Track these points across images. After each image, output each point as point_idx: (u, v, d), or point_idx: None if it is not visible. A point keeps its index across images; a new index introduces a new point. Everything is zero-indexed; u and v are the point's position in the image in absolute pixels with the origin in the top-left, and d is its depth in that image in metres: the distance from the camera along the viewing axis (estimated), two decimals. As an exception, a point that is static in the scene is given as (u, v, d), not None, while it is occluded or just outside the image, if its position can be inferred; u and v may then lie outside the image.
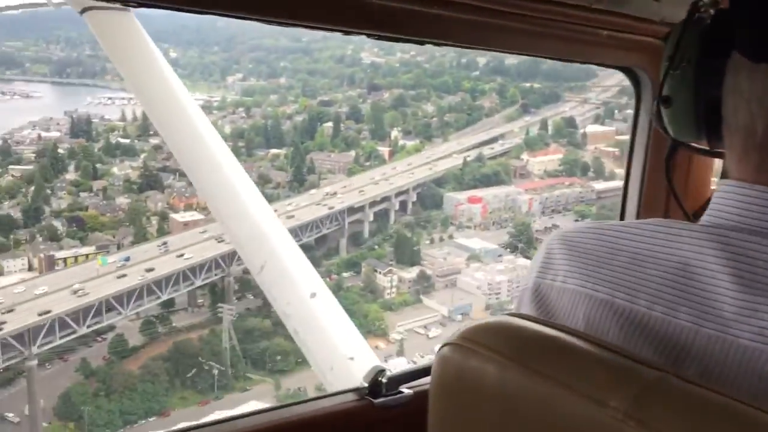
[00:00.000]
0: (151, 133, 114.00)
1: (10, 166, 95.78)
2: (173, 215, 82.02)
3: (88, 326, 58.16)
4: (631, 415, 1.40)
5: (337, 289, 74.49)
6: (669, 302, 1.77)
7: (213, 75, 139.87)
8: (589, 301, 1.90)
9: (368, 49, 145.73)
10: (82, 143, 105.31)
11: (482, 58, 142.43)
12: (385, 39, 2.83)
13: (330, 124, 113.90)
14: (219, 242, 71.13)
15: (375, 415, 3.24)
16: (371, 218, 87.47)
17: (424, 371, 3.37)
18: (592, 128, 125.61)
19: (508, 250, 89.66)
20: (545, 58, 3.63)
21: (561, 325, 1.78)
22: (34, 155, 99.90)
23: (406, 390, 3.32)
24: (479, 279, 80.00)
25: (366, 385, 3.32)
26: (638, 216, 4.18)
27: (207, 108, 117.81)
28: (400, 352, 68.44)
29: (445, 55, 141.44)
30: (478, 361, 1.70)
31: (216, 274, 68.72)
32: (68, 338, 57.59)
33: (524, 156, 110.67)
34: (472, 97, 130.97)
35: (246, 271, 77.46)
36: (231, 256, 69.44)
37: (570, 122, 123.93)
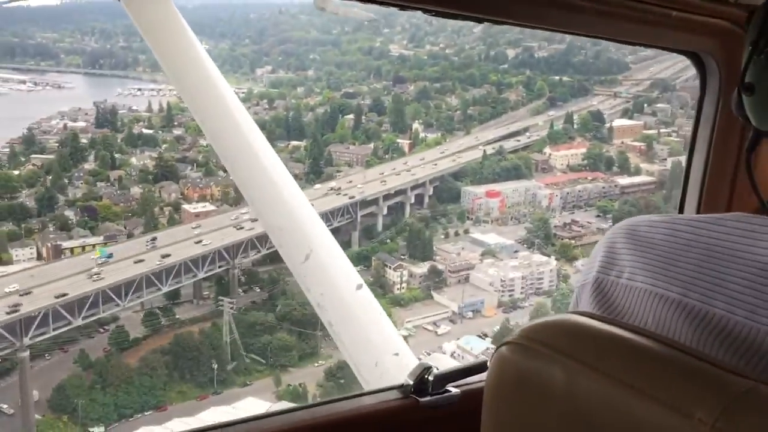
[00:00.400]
0: (176, 124, 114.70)
1: (33, 156, 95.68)
2: (185, 206, 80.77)
3: (84, 318, 57.13)
4: (719, 428, 1.29)
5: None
6: (751, 305, 1.60)
7: (243, 67, 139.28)
8: (659, 301, 1.72)
9: (398, 42, 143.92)
10: (105, 133, 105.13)
11: (511, 50, 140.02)
12: (442, 15, 2.66)
13: (351, 116, 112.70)
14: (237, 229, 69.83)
15: (421, 415, 3.02)
16: (385, 212, 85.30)
17: (474, 369, 3.12)
18: (619, 122, 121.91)
19: (525, 245, 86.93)
20: (607, 39, 3.42)
21: (632, 325, 1.63)
22: (57, 145, 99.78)
23: (453, 389, 3.08)
24: (492, 275, 77.47)
25: (411, 382, 3.05)
26: (699, 210, 3.82)
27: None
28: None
29: (474, 47, 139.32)
30: (541, 362, 1.58)
31: (221, 266, 67.36)
32: (62, 330, 56.67)
33: (547, 150, 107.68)
34: (498, 90, 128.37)
35: (255, 263, 76.19)
36: (236, 248, 68.08)
37: (597, 116, 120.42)
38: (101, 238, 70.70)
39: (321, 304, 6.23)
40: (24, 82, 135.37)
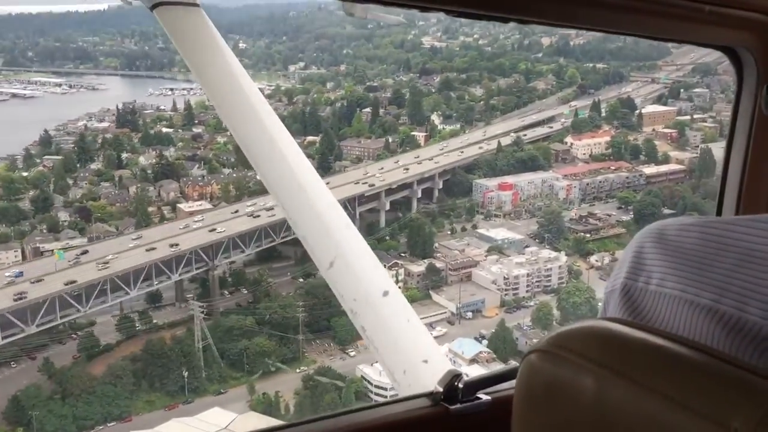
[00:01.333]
0: (196, 122, 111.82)
1: (46, 157, 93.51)
2: (180, 205, 76.86)
3: (38, 326, 53.24)
4: None
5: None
6: None
7: (276, 64, 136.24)
8: (691, 308, 1.60)
9: (432, 34, 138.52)
10: (122, 133, 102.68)
11: (546, 38, 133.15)
12: (466, 16, 2.62)
13: (369, 110, 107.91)
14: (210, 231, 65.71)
15: (451, 423, 2.91)
16: (388, 207, 79.67)
17: (504, 376, 2.99)
18: (651, 108, 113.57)
19: (537, 240, 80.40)
20: (638, 36, 3.38)
21: (662, 331, 1.54)
22: (72, 146, 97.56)
23: (484, 396, 2.95)
24: (495, 273, 71.25)
25: (441, 389, 2.93)
26: (738, 210, 3.63)
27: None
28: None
29: (509, 37, 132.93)
30: (571, 370, 1.50)
31: (198, 268, 62.81)
32: (13, 338, 52.90)
33: (568, 139, 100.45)
34: (527, 79, 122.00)
35: (246, 263, 71.68)
36: (216, 248, 63.62)
37: (627, 103, 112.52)
38: (85, 240, 67.19)
39: (354, 310, 5.57)
40: (60, 84, 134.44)
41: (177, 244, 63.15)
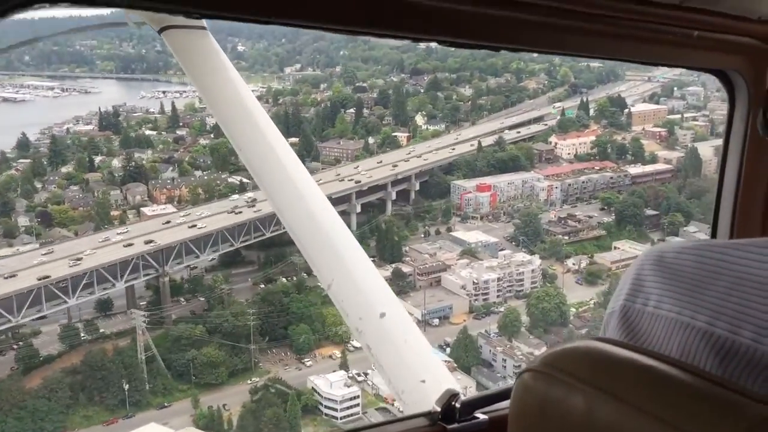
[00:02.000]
0: (181, 125, 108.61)
1: (21, 160, 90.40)
2: (144, 209, 73.26)
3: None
4: None
5: (296, 291, 63.52)
6: None
7: (272, 66, 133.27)
8: (685, 331, 1.59)
9: None
10: (107, 135, 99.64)
11: None
12: (458, 46, 2.55)
13: (353, 110, 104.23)
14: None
15: None
16: (359, 209, 75.60)
17: (502, 396, 3.02)
18: (641, 107, 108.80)
19: (514, 243, 76.01)
20: (629, 62, 3.35)
21: (654, 352, 1.54)
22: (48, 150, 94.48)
23: (481, 416, 2.98)
24: (465, 277, 66.99)
25: (438, 409, 2.96)
26: (732, 233, 3.61)
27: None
28: (344, 365, 56.54)
29: None
30: (562, 390, 1.49)
31: (147, 275, 58.97)
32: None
33: (552, 139, 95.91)
34: (518, 79, 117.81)
35: (208, 269, 67.88)
36: (167, 253, 59.82)
37: (617, 101, 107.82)
38: (37, 245, 63.65)
39: (359, 329, 5.44)
40: (52, 88, 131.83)
41: (131, 244, 59.50)
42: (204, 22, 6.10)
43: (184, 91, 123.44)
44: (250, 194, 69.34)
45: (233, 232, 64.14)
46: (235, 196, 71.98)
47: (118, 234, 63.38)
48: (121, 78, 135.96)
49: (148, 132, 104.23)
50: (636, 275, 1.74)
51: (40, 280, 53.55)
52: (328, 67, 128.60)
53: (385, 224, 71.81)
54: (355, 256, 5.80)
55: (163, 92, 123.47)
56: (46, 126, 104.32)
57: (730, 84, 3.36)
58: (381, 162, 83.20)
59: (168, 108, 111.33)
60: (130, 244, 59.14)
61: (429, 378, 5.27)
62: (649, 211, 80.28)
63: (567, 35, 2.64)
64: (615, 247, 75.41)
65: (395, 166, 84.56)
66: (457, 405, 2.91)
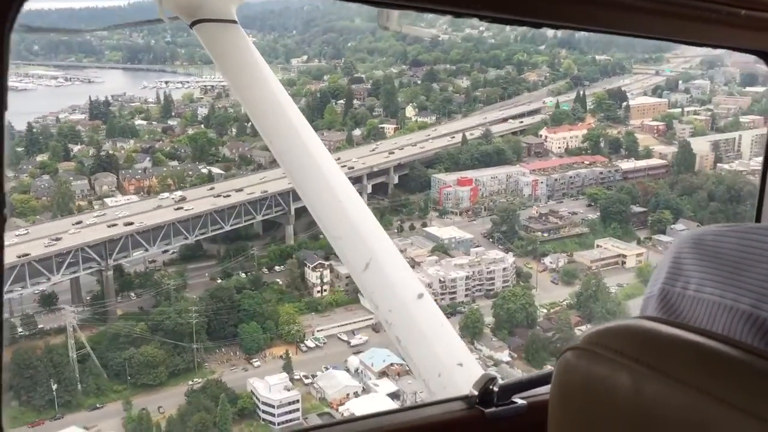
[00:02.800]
0: (173, 115, 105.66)
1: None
2: (107, 199, 69.76)
3: None
4: None
5: (253, 287, 59.54)
6: None
7: (279, 57, 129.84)
8: (729, 313, 1.57)
9: (438, 26, 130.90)
10: (96, 125, 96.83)
11: (551, 31, 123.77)
12: (498, 21, 2.53)
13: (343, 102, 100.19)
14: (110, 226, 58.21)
15: (486, 426, 2.85)
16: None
17: (540, 380, 2.93)
18: (640, 100, 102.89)
19: (491, 240, 71.24)
20: (668, 41, 3.15)
21: (700, 329, 1.51)
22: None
23: (519, 400, 2.89)
24: (432, 275, 62.48)
25: (476, 393, 2.87)
26: None
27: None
28: (288, 367, 52.32)
29: (516, 29, 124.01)
30: (607, 368, 1.47)
31: (86, 268, 55.21)
32: None
33: (543, 132, 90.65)
34: (520, 71, 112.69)
35: (167, 263, 64.19)
36: (111, 246, 56.05)
37: (616, 94, 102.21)
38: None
39: (389, 321, 5.09)
40: (56, 77, 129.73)
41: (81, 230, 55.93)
42: (235, 16, 5.63)
43: (187, 82, 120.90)
44: (179, 193, 66.68)
45: (187, 224, 60.27)
46: (165, 194, 68.29)
47: (73, 225, 59.86)
48: (127, 68, 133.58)
49: (140, 122, 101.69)
50: (674, 259, 1.70)
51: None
52: (335, 59, 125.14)
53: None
54: (384, 245, 5.26)
55: (166, 82, 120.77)
56: (41, 115, 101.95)
57: None
58: (360, 157, 79.00)
59: (176, 97, 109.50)
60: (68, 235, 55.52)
61: (463, 362, 4.78)
62: (636, 208, 74.99)
63: (603, 9, 2.47)
64: (597, 245, 70.42)
65: (370, 157, 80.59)
66: (495, 389, 2.82)
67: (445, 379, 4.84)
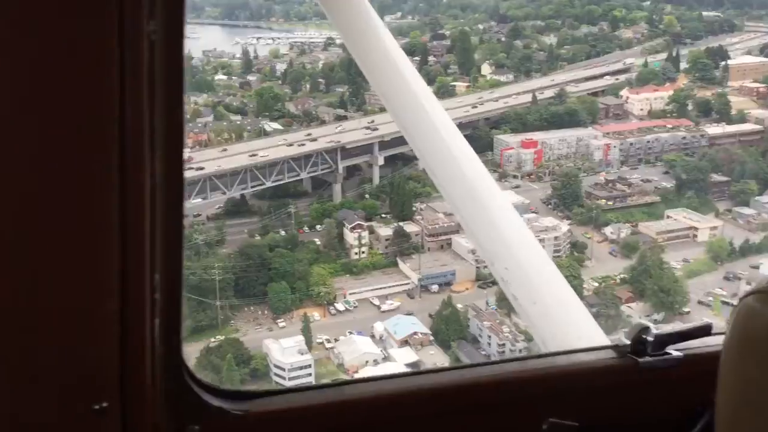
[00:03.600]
0: (254, 70, 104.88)
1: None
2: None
3: None
4: None
5: (288, 245, 57.30)
6: None
7: None
8: None
9: None
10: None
11: None
12: None
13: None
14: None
15: (638, 376, 2.75)
16: (382, 162, 67.72)
17: (696, 333, 2.79)
18: (741, 60, 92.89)
19: (550, 206, 65.92)
20: None
21: None
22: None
23: (674, 352, 2.78)
24: (476, 241, 58.10)
25: (628, 342, 2.78)
26: None
27: (328, 45, 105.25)
28: (306, 329, 49.74)
29: None
30: None
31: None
32: None
33: (624, 92, 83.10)
34: (613, 27, 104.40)
35: (212, 217, 63.01)
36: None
37: (716, 53, 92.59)
38: None
39: (504, 279, 5.32)
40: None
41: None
42: None
43: (278, 38, 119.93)
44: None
45: (225, 181, 58.58)
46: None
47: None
48: (225, 24, 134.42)
49: (220, 76, 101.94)
50: None
51: None
52: (426, 16, 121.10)
53: (399, 179, 63.66)
54: (502, 206, 5.35)
55: (258, 38, 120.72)
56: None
57: None
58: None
59: (254, 53, 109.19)
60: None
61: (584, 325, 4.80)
62: (716, 177, 67.36)
63: None
64: (667, 216, 63.72)
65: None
66: (650, 339, 2.69)
67: (563, 341, 4.55)
